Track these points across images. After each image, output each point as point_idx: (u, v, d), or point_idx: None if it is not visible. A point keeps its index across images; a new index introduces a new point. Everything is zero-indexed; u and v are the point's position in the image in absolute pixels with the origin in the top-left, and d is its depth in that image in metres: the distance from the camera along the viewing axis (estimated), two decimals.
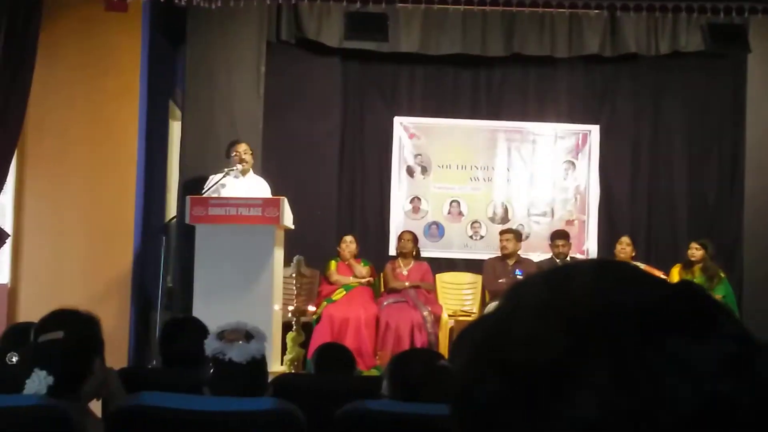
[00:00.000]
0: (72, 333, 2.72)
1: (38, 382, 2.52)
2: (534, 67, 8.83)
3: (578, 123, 8.89)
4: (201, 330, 3.19)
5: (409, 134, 8.91)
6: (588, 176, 8.87)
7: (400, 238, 8.09)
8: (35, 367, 2.54)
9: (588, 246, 8.76)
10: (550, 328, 0.66)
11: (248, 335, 2.81)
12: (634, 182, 8.87)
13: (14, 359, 2.69)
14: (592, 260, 0.75)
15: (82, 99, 7.07)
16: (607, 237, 8.61)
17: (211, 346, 2.78)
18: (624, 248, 7.90)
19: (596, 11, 8.08)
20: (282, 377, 3.57)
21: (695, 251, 7.78)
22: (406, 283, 7.76)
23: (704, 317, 0.66)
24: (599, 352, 0.64)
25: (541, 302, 0.69)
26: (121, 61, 7.12)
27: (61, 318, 2.83)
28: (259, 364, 2.81)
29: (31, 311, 5.85)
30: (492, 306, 7.27)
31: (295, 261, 6.76)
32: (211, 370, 2.78)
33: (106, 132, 7.10)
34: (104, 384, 2.78)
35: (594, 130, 8.89)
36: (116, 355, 5.99)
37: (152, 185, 7.44)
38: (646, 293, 0.68)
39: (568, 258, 7.86)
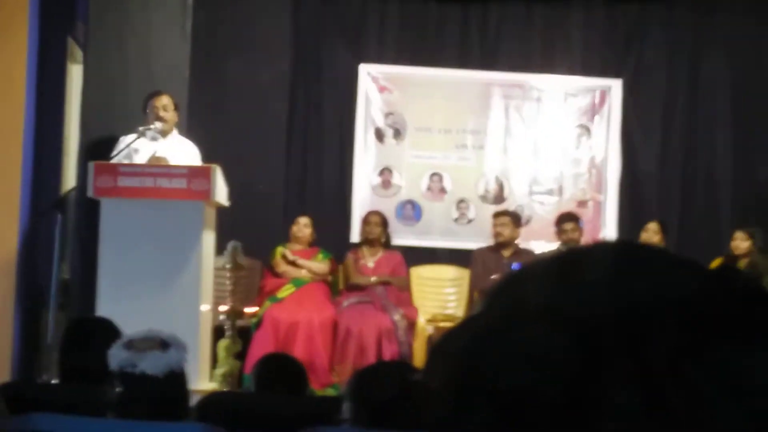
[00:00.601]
0: None
1: None
2: (540, 4, 8.85)
3: (595, 76, 8.93)
4: (114, 336, 3.19)
5: (378, 87, 8.91)
6: (606, 145, 8.94)
7: (365, 220, 8.11)
8: None
9: (605, 233, 8.83)
10: (557, 338, 0.65)
11: (164, 344, 2.82)
12: (665, 153, 8.94)
13: None
14: (608, 243, 0.73)
15: None
16: (630, 222, 8.69)
17: (117, 356, 2.79)
18: (651, 237, 7.98)
19: None
20: (212, 397, 3.57)
21: (740, 242, 7.87)
22: (372, 278, 7.79)
23: (755, 315, 0.66)
24: (623, 368, 0.63)
25: (543, 302, 0.68)
26: None
27: None
28: (179, 378, 2.82)
29: None
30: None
31: (229, 248, 6.75)
32: (117, 388, 2.79)
33: None
34: None
35: (615, 86, 8.94)
36: None
37: (44, 148, 7.37)
38: (681, 285, 0.67)
39: None
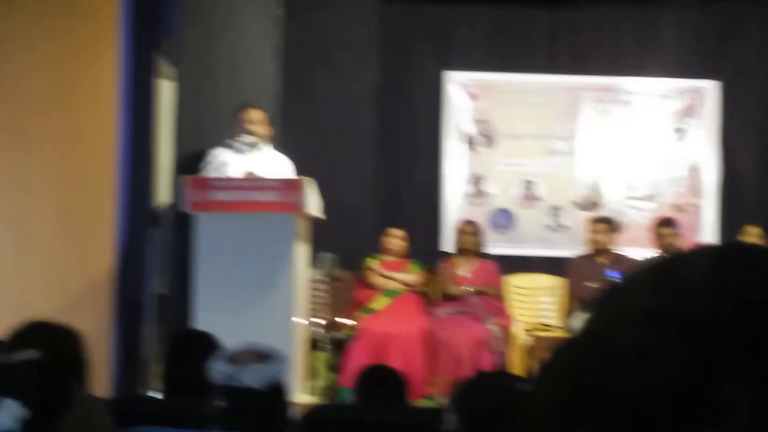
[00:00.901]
0: (49, 352, 2.75)
1: (7, 416, 2.56)
2: (630, 5, 8.76)
3: (691, 78, 8.81)
4: (215, 349, 3.23)
5: (467, 94, 8.90)
6: (704, 148, 8.80)
7: (459, 230, 8.08)
8: (4, 397, 2.57)
9: (704, 238, 8.70)
10: (661, 338, 0.65)
11: (264, 356, 2.83)
12: (765, 155, 8.78)
13: None
14: (710, 247, 0.73)
15: (45, 54, 7.12)
16: (730, 227, 8.55)
17: (219, 371, 2.81)
18: (752, 241, 7.84)
19: None
20: (314, 410, 3.59)
21: None
22: (466, 287, 7.75)
23: None
24: (735, 365, 0.63)
25: (645, 308, 0.67)
26: (95, 3, 7.17)
27: (35, 333, 2.87)
28: (279, 390, 2.84)
29: None
30: (578, 319, 7.23)
31: (325, 260, 6.77)
32: (221, 402, 2.81)
33: (77, 96, 7.14)
34: (89, 417, 2.81)
35: (712, 88, 8.81)
36: (95, 379, 6.04)
37: (137, 163, 7.48)
38: None
39: None
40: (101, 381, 6.68)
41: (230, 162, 6.92)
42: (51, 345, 2.80)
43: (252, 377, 2.79)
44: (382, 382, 3.75)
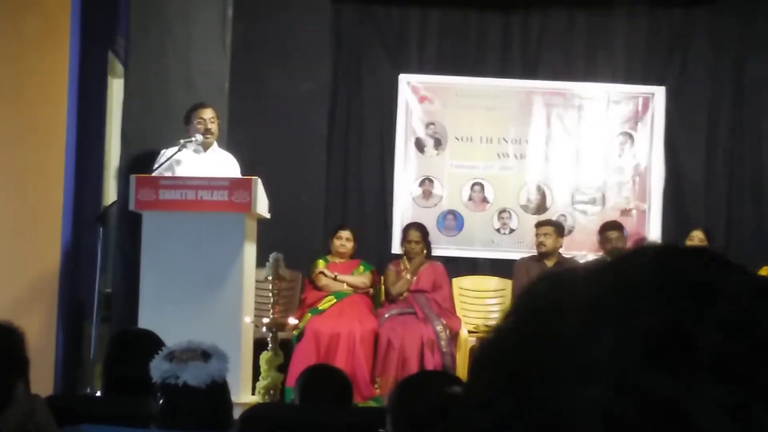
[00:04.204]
0: None
1: None
2: (582, 11, 8.84)
3: (638, 84, 8.91)
4: (157, 348, 3.23)
5: (418, 97, 8.93)
6: (650, 152, 8.90)
7: (405, 237, 8.03)
8: None
9: (650, 242, 8.79)
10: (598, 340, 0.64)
11: (205, 354, 2.83)
12: (710, 160, 8.89)
13: None
14: (652, 246, 0.71)
15: None
16: (675, 230, 8.66)
17: (159, 368, 2.80)
18: (696, 245, 7.93)
19: None
20: (255, 409, 3.59)
21: None
22: (409, 276, 7.77)
23: None
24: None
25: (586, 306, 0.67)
26: (46, 0, 7.13)
27: None
28: (221, 388, 2.82)
29: None
30: None
31: (271, 260, 6.76)
32: (160, 400, 2.80)
33: (26, 93, 7.10)
34: (29, 414, 2.81)
35: (658, 93, 8.91)
36: (40, 378, 6.01)
37: (86, 161, 7.45)
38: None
39: None
40: (46, 379, 6.65)
41: (182, 161, 6.91)
42: None
43: (192, 375, 2.78)
44: (325, 382, 3.74)
